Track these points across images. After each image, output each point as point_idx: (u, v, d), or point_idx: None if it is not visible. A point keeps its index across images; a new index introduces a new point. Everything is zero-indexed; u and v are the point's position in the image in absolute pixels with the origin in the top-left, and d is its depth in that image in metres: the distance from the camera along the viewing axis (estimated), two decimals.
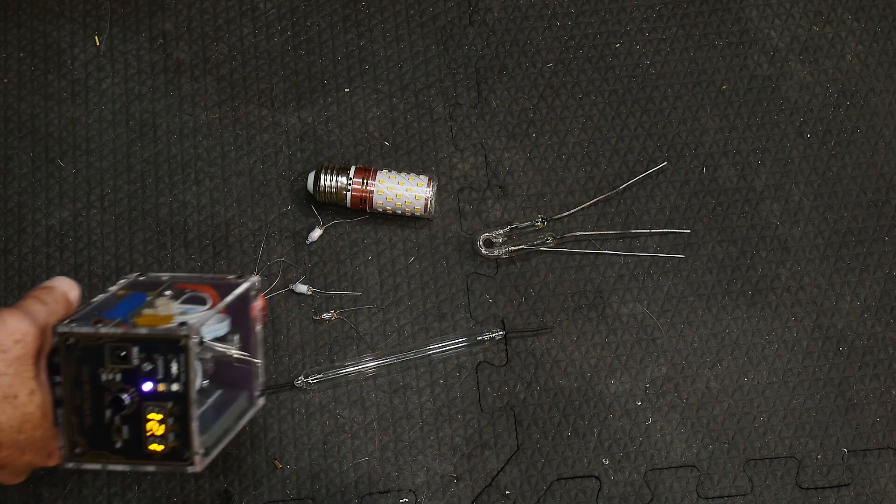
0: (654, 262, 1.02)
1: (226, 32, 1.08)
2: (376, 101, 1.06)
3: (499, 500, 0.95)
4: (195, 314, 0.64)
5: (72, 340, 0.61)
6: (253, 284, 0.69)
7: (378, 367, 0.97)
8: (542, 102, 1.07)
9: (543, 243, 1.01)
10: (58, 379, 0.62)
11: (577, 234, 1.02)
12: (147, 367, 0.60)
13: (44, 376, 0.62)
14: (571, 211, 1.03)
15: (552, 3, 1.10)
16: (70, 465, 0.63)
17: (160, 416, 0.61)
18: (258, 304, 0.70)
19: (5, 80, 1.07)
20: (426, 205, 1.00)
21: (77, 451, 0.63)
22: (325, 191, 1.00)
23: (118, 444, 0.62)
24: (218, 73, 1.07)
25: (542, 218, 1.02)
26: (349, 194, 0.99)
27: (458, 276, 1.01)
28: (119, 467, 0.63)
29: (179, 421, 0.61)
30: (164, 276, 0.70)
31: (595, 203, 1.03)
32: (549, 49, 1.08)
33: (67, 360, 0.61)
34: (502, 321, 1.00)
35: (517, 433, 0.97)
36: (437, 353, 0.98)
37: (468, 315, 1.00)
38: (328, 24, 1.09)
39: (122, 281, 0.69)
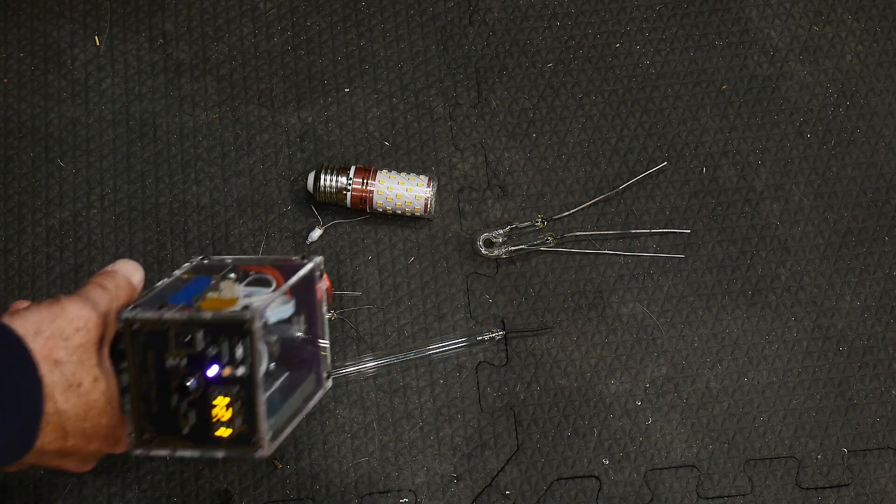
0: (654, 262, 1.02)
1: (226, 32, 1.08)
2: (376, 101, 1.06)
3: (499, 500, 0.95)
4: (259, 297, 0.63)
5: (136, 326, 0.60)
6: (317, 265, 0.68)
7: (378, 367, 0.98)
8: (542, 102, 1.07)
9: (543, 243, 1.01)
10: (123, 365, 0.61)
11: (577, 234, 1.02)
12: (212, 351, 0.59)
13: (108, 363, 0.61)
14: (571, 211, 1.03)
15: (552, 3, 1.10)
16: (138, 452, 0.62)
17: (227, 401, 0.60)
18: (323, 284, 0.68)
19: (5, 80, 1.07)
20: (426, 205, 1.00)
21: (145, 437, 0.62)
22: (325, 191, 1.00)
23: (185, 430, 0.61)
24: (218, 73, 1.07)
25: (542, 218, 1.02)
26: (349, 194, 1.00)
27: (458, 276, 1.01)
28: (187, 453, 0.62)
29: (246, 405, 0.60)
30: (228, 258, 0.69)
31: (595, 203, 1.03)
32: (549, 49, 1.08)
33: (132, 346, 0.60)
34: (502, 321, 1.00)
35: (517, 433, 0.97)
36: (437, 353, 0.98)
37: (468, 315, 1.00)
38: (328, 24, 1.09)
39: (185, 265, 0.68)
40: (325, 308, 0.69)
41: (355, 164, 1.01)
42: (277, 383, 0.66)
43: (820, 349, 1.00)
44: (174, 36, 1.08)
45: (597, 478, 0.96)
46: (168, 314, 0.60)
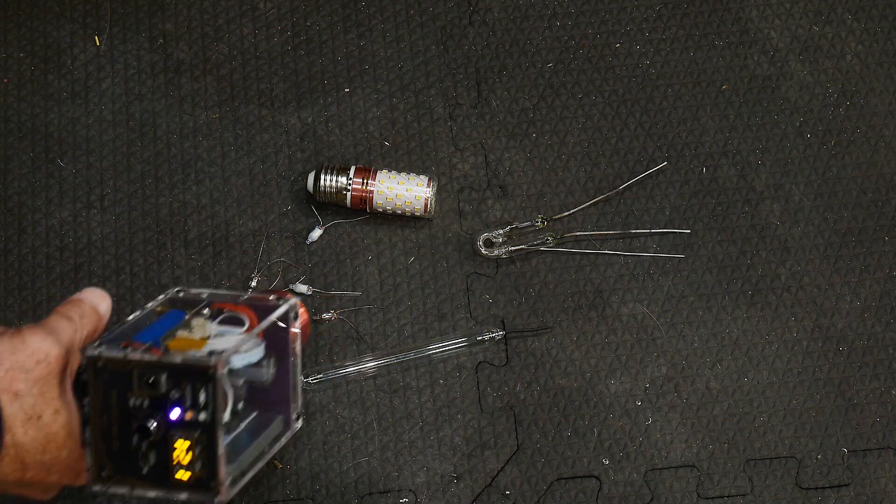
0: (654, 262, 1.02)
1: (226, 32, 1.08)
2: (376, 101, 1.06)
3: (499, 500, 0.95)
4: (230, 337, 0.63)
5: (100, 364, 0.59)
6: (291, 307, 0.67)
7: (378, 367, 0.98)
8: (542, 102, 1.07)
9: (543, 243, 1.01)
10: (85, 401, 0.60)
11: (577, 234, 1.02)
12: (175, 394, 0.59)
13: (70, 395, 0.60)
14: (571, 211, 1.03)
15: (552, 3, 1.10)
16: (96, 488, 0.62)
17: (187, 444, 0.59)
18: (298, 323, 0.68)
19: (5, 81, 1.07)
20: (426, 205, 1.00)
21: (104, 474, 0.61)
22: (325, 191, 1.00)
23: (145, 470, 0.60)
24: (218, 73, 1.07)
25: (542, 218, 1.02)
26: (349, 194, 0.99)
27: (458, 276, 1.01)
28: (146, 493, 0.61)
29: (206, 450, 0.59)
30: (204, 292, 0.68)
31: (595, 203, 1.03)
32: (549, 49, 1.08)
33: (95, 383, 0.60)
34: (502, 321, 1.00)
35: (517, 433, 0.97)
36: (437, 353, 0.98)
37: (468, 315, 1.00)
38: (328, 24, 1.09)
39: (160, 297, 0.68)
40: (298, 348, 0.68)
41: (355, 164, 1.01)
42: (243, 424, 0.66)
43: (820, 349, 1.00)
44: (174, 36, 1.08)
45: (597, 478, 0.96)
46: (133, 354, 0.59)
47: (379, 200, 1.00)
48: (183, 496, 0.61)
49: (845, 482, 0.96)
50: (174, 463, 0.60)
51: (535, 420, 0.97)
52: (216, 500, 0.60)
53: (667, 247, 1.02)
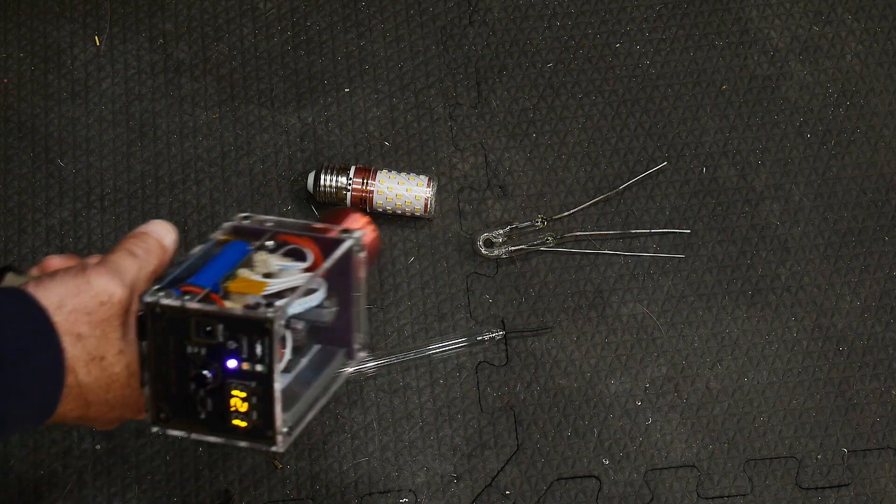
0: (654, 262, 1.02)
1: (226, 32, 1.08)
2: (376, 101, 1.06)
3: (499, 500, 0.95)
4: (291, 276, 0.62)
5: (158, 310, 0.59)
6: (356, 242, 0.66)
7: (378, 367, 0.98)
8: (542, 102, 1.07)
9: (543, 243, 1.01)
10: (143, 346, 0.60)
11: (577, 234, 1.02)
12: (232, 344, 0.58)
13: (132, 335, 0.60)
14: (571, 211, 1.03)
15: (552, 3, 1.10)
16: (155, 429, 0.62)
17: (244, 394, 0.59)
18: (362, 256, 0.67)
19: (5, 81, 1.07)
20: (426, 205, 1.00)
21: (162, 416, 0.61)
22: (325, 191, 1.00)
23: (202, 416, 0.60)
24: (218, 73, 1.07)
25: (542, 218, 1.02)
26: (349, 194, 1.00)
27: (458, 276, 1.01)
28: (204, 437, 0.61)
29: (263, 400, 0.59)
30: (270, 220, 0.67)
31: (595, 203, 1.03)
32: (549, 49, 1.08)
33: (153, 328, 0.59)
34: (502, 321, 1.00)
35: (517, 433, 0.97)
36: (437, 353, 0.98)
37: (468, 315, 1.00)
38: (328, 24, 1.09)
39: (224, 224, 0.66)
40: (363, 279, 0.67)
41: (355, 164, 1.01)
42: (305, 360, 0.65)
43: (820, 349, 1.00)
44: (174, 36, 1.08)
45: (597, 478, 0.96)
46: (190, 303, 0.59)
47: (379, 200, 1.00)
48: (240, 444, 0.61)
49: (845, 482, 0.96)
50: (231, 411, 0.59)
51: (535, 420, 0.97)
52: (273, 449, 0.61)
53: (667, 247, 1.02)
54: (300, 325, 0.65)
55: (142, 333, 0.60)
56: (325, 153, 1.05)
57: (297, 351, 0.63)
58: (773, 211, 1.03)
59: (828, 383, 0.99)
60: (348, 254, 0.66)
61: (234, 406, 0.60)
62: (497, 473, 0.96)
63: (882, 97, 1.07)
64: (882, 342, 1.00)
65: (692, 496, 0.96)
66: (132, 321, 0.60)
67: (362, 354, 0.69)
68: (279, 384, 0.59)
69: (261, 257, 0.63)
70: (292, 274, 0.63)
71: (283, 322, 0.59)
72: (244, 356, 0.59)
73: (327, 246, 0.65)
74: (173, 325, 0.59)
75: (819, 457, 0.97)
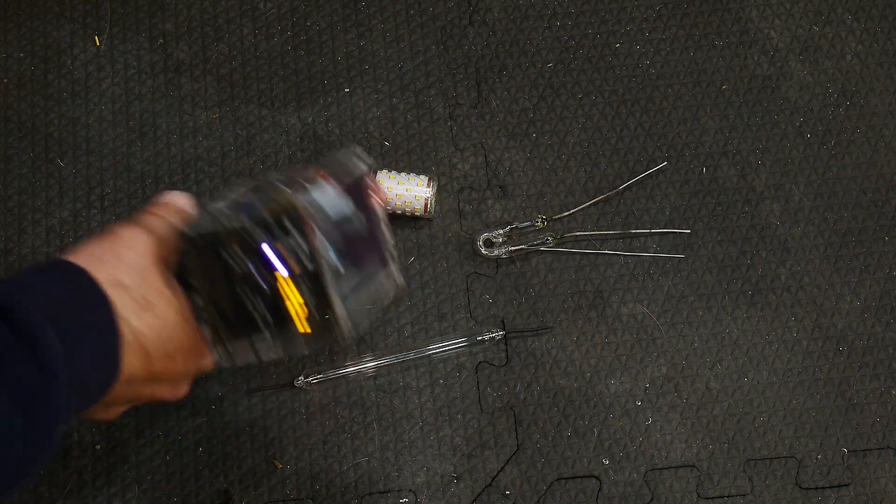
0: (654, 262, 1.02)
1: (226, 32, 1.08)
2: (376, 101, 1.06)
3: (499, 500, 0.95)
4: (319, 197, 0.63)
5: (198, 241, 0.60)
6: (369, 165, 0.68)
7: (378, 367, 0.98)
8: (542, 102, 1.07)
9: (543, 243, 1.01)
10: (191, 281, 0.61)
11: (577, 234, 1.02)
12: (276, 252, 0.59)
13: (175, 284, 0.62)
14: (571, 211, 1.03)
15: (552, 3, 1.10)
16: (224, 363, 0.62)
17: (300, 298, 0.60)
18: (374, 188, 0.68)
19: (5, 81, 1.07)
20: (426, 205, 1.00)
21: (226, 346, 0.62)
22: None
23: (265, 333, 0.61)
24: (218, 73, 1.07)
25: (542, 218, 1.02)
26: None
27: (458, 276, 1.01)
28: (269, 352, 0.62)
29: (320, 297, 0.60)
30: (279, 174, 0.68)
31: (595, 203, 1.03)
32: (549, 49, 1.08)
33: (197, 260, 0.60)
34: (502, 321, 1.00)
35: (517, 433, 0.97)
36: (437, 353, 0.98)
37: (468, 315, 1.00)
38: (328, 24, 1.09)
39: (239, 188, 0.67)
40: (378, 203, 0.68)
41: None
42: (349, 285, 0.66)
43: (820, 349, 1.00)
44: (174, 36, 1.08)
45: (597, 478, 0.96)
46: (227, 222, 0.60)
47: None
48: (305, 346, 0.61)
49: (845, 482, 0.96)
50: (292, 317, 0.60)
51: (535, 420, 0.97)
52: (341, 342, 0.61)
53: (667, 247, 1.02)
54: (335, 233, 0.64)
55: (184, 273, 0.61)
56: (325, 153, 1.05)
57: (338, 276, 0.63)
58: (773, 211, 1.03)
59: (828, 383, 0.99)
60: (362, 184, 0.67)
61: (294, 311, 0.60)
62: (497, 473, 0.96)
63: (882, 97, 1.07)
64: (882, 342, 1.00)
65: (692, 496, 0.96)
66: (171, 272, 0.62)
67: (401, 280, 0.70)
68: (330, 274, 0.59)
69: (281, 194, 0.64)
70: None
71: (314, 205, 0.59)
72: (291, 258, 0.59)
73: (339, 174, 0.66)
74: (215, 251, 0.60)
75: (819, 457, 0.97)
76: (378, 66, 1.07)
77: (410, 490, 0.95)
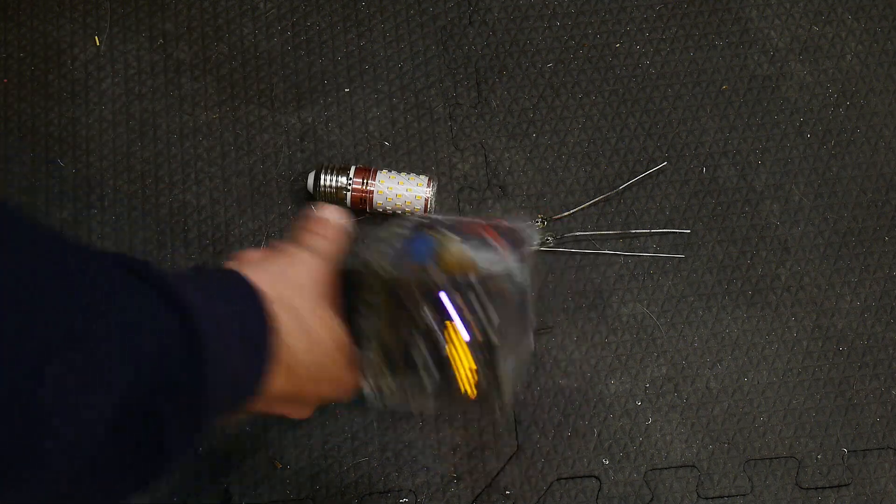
0: (654, 262, 1.02)
1: (226, 32, 1.08)
2: (376, 101, 1.06)
3: (499, 500, 0.95)
4: (490, 259, 0.61)
5: (388, 278, 0.57)
6: (532, 228, 0.67)
7: None
8: (542, 102, 1.07)
9: (543, 243, 1.01)
10: (365, 312, 0.59)
11: (577, 234, 1.02)
12: (456, 309, 0.56)
13: (335, 309, 0.61)
14: (571, 211, 1.03)
15: (552, 3, 1.10)
16: (374, 400, 0.61)
17: (473, 366, 0.58)
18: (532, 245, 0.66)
19: (5, 81, 1.07)
20: (426, 205, 1.00)
21: (383, 388, 0.60)
22: (325, 191, 1.00)
23: (428, 387, 0.59)
24: (218, 73, 1.07)
25: (542, 218, 1.02)
26: (349, 194, 1.00)
27: None
28: (426, 404, 0.60)
29: (492, 369, 0.58)
30: (443, 218, 0.66)
31: (595, 203, 1.03)
32: (549, 49, 1.08)
33: (382, 297, 0.58)
34: None
35: (517, 433, 0.97)
36: None
37: None
38: (328, 24, 1.09)
39: (405, 223, 0.64)
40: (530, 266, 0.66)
41: (355, 164, 1.01)
42: (504, 353, 0.64)
43: (820, 349, 1.00)
44: (174, 36, 1.08)
45: (597, 478, 0.96)
46: (433, 272, 0.56)
47: (379, 200, 1.00)
48: (464, 408, 0.60)
49: (845, 482, 0.96)
50: (461, 377, 0.58)
51: (535, 420, 0.97)
52: (498, 416, 0.60)
53: (667, 247, 1.02)
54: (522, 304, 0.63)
55: (358, 304, 0.59)
56: (325, 153, 1.05)
57: (504, 338, 0.62)
58: (773, 211, 1.03)
59: (828, 383, 0.99)
60: (523, 243, 0.65)
61: (466, 375, 0.58)
62: (497, 473, 0.96)
63: (882, 97, 1.07)
64: (882, 342, 1.00)
65: (692, 496, 0.96)
66: (335, 299, 0.61)
67: (532, 343, 0.67)
68: (508, 350, 0.57)
69: (455, 246, 0.61)
70: (489, 254, 0.61)
71: (522, 286, 0.57)
72: (474, 324, 0.56)
73: (505, 234, 0.64)
74: (402, 294, 0.57)
75: (819, 457, 0.97)
76: (378, 66, 1.07)
77: (410, 490, 0.95)
